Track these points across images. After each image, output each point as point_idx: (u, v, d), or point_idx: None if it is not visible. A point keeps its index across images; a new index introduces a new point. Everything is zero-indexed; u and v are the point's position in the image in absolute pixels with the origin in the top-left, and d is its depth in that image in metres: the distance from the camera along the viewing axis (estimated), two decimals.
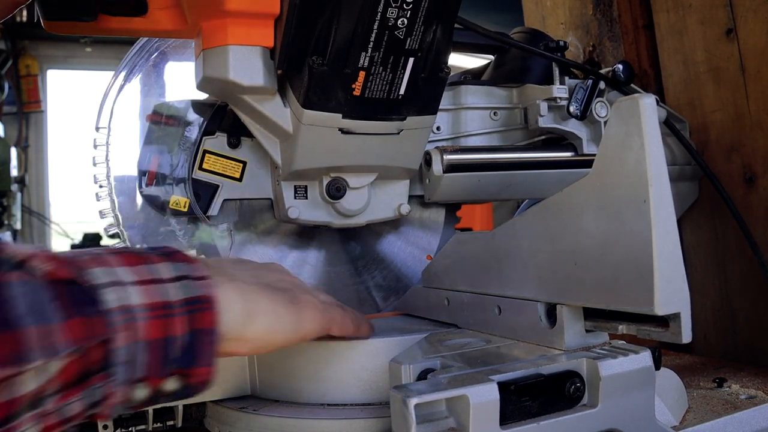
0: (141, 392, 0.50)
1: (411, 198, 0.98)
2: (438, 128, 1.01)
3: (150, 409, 0.80)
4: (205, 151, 0.91)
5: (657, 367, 0.67)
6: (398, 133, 0.85)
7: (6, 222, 4.27)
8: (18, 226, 4.53)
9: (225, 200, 0.93)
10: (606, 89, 1.00)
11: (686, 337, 0.60)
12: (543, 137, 1.04)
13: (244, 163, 0.93)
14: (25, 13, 5.01)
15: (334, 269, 1.03)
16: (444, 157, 0.94)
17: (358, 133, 0.82)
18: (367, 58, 0.76)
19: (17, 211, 4.56)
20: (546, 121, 0.98)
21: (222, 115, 0.92)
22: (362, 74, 0.77)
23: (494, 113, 1.02)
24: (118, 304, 0.47)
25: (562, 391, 0.62)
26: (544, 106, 0.98)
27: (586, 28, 1.34)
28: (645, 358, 0.65)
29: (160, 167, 0.92)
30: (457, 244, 0.89)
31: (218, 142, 0.92)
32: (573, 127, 1.00)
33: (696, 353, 1.14)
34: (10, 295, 0.41)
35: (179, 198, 0.91)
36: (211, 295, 0.53)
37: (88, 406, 0.47)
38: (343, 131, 0.81)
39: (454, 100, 1.01)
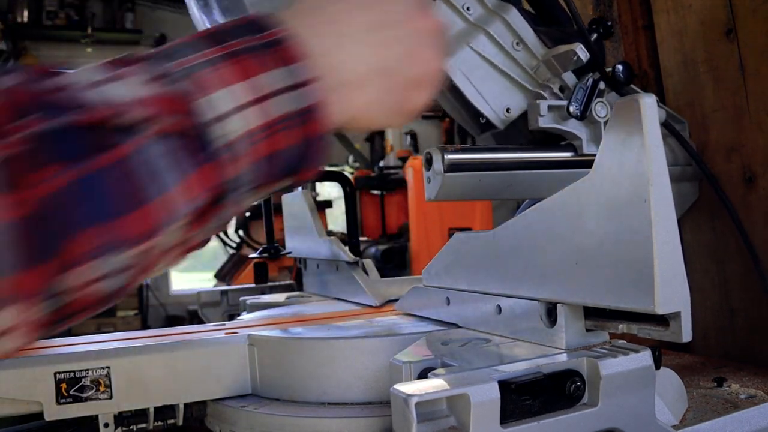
0: (252, 197, 0.54)
1: None
2: (468, 8, 0.98)
3: (151, 408, 0.80)
4: None
5: (657, 367, 0.67)
6: None
7: None
8: None
9: None
10: (606, 89, 1.00)
11: (686, 336, 0.60)
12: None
13: None
14: (26, 13, 5.02)
15: None
16: (445, 156, 0.94)
17: None
18: None
19: None
20: (546, 120, 0.98)
21: None
22: None
23: (517, 43, 1.01)
24: (235, 135, 0.47)
25: (562, 390, 0.62)
26: (544, 106, 0.98)
27: None
28: (645, 357, 0.65)
29: None
30: (458, 244, 0.90)
31: None
32: (573, 127, 1.00)
33: (696, 353, 1.14)
34: (131, 168, 0.42)
35: None
36: (322, 102, 0.52)
37: (209, 231, 0.52)
38: None
39: (496, 5, 0.99)
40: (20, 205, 0.38)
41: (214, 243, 5.13)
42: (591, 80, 0.98)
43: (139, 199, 0.42)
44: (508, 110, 1.01)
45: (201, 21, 0.83)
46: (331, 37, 0.55)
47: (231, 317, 1.45)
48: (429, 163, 0.95)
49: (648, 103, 0.60)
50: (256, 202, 0.62)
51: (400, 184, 3.97)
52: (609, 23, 1.00)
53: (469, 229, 2.83)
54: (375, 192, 4.33)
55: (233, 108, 0.47)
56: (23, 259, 0.39)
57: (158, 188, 0.43)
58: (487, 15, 1.00)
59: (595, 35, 0.99)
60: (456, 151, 0.96)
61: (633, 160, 0.61)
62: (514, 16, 1.00)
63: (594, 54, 0.97)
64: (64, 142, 0.41)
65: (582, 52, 0.95)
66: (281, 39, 0.51)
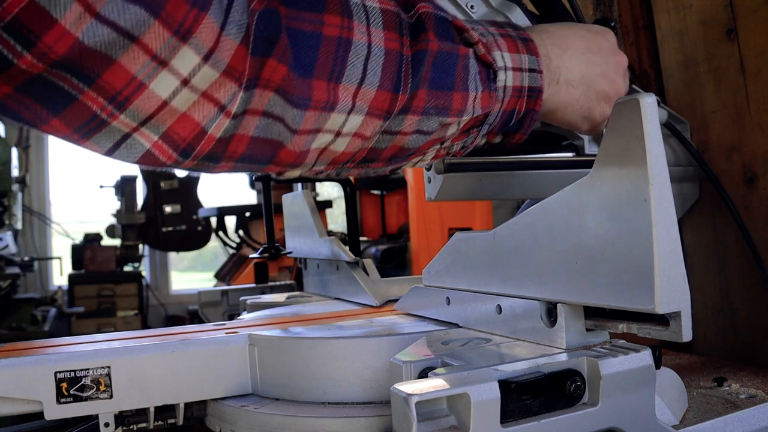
0: (481, 140, 0.73)
1: None
2: (472, 6, 0.96)
3: (151, 407, 0.80)
4: None
5: (657, 366, 0.67)
6: None
7: (7, 222, 4.27)
8: (19, 226, 4.52)
9: None
10: None
11: (686, 335, 0.60)
12: None
13: None
14: None
15: None
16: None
17: None
18: None
19: (18, 211, 4.55)
20: None
21: None
22: None
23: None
24: (503, 84, 0.68)
25: (562, 390, 0.62)
26: None
27: None
28: (645, 357, 0.65)
29: None
30: (458, 243, 0.90)
31: None
32: None
33: (696, 352, 1.14)
34: (467, 65, 0.64)
35: None
36: (544, 87, 0.70)
37: (461, 147, 0.72)
38: None
39: (501, 5, 0.98)
40: (426, 42, 0.61)
41: (214, 243, 5.14)
42: None
43: (465, 86, 0.64)
44: None
45: None
46: (557, 48, 0.73)
47: (231, 317, 1.44)
48: None
49: (648, 102, 0.61)
50: (398, 171, 0.76)
51: (400, 184, 3.96)
52: (613, 23, 1.00)
53: (469, 229, 2.83)
54: (375, 192, 4.33)
55: (507, 66, 0.68)
56: (391, 84, 0.59)
57: (474, 86, 0.65)
58: (492, 14, 1.00)
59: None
60: None
61: (633, 160, 0.61)
62: (518, 16, 1.00)
63: None
64: (442, 26, 0.63)
65: None
66: (530, 38, 0.71)
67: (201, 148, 0.52)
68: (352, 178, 1.78)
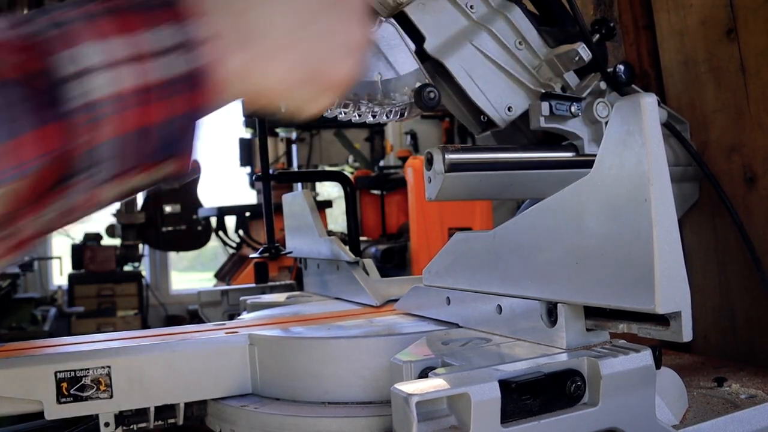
0: (114, 187, 0.45)
1: None
2: (472, 6, 0.99)
3: (152, 407, 0.80)
4: None
5: (657, 366, 0.67)
6: None
7: None
8: None
9: None
10: (607, 89, 1.00)
11: (687, 335, 0.60)
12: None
13: None
14: (26, 13, 5.01)
15: None
16: (446, 156, 0.94)
17: None
18: None
19: None
20: (547, 120, 0.98)
21: None
22: None
23: (520, 42, 1.01)
24: (98, 95, 0.40)
25: (562, 390, 0.62)
26: (545, 106, 0.98)
27: None
28: (645, 357, 0.65)
29: None
30: (458, 243, 0.90)
31: None
32: (574, 127, 1.00)
33: (696, 352, 1.14)
34: None
35: None
36: (217, 64, 0.45)
37: (66, 212, 0.42)
38: None
39: (501, 5, 1.00)
40: None
41: (214, 243, 5.14)
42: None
43: None
44: (509, 109, 1.01)
45: None
46: (241, 33, 0.48)
47: (231, 317, 1.44)
48: (430, 162, 0.95)
49: (648, 102, 0.61)
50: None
51: (400, 184, 3.97)
52: (612, 24, 1.00)
53: (469, 229, 2.83)
54: (375, 192, 4.33)
55: (102, 64, 0.40)
56: None
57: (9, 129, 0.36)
58: (491, 14, 1.00)
59: (597, 36, 0.99)
60: (456, 151, 0.96)
61: (633, 160, 0.61)
62: (518, 16, 1.00)
63: (595, 54, 0.97)
64: None
65: (584, 52, 0.96)
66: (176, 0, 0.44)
67: None
68: (351, 178, 1.77)
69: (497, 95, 1.00)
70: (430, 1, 0.96)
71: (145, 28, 0.42)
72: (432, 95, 0.94)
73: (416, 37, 0.99)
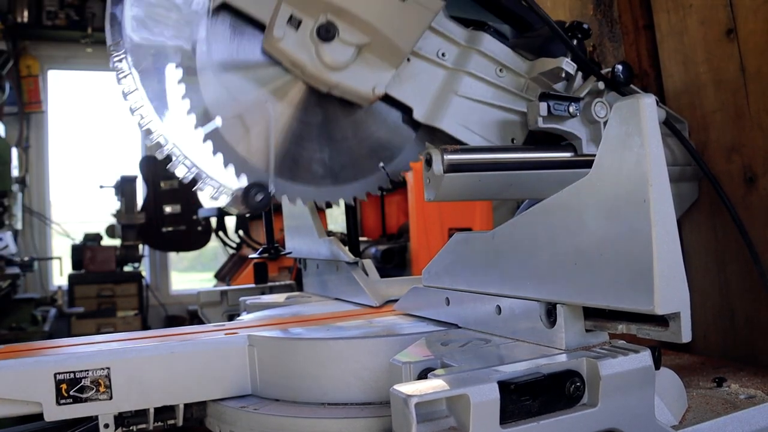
0: None
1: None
2: (443, 54, 1.00)
3: (151, 408, 0.80)
4: None
5: (657, 367, 0.67)
6: (404, 0, 0.85)
7: (7, 222, 4.27)
8: (19, 226, 4.53)
9: (224, 5, 0.91)
10: (605, 89, 1.00)
11: (686, 336, 0.60)
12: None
13: None
14: (26, 13, 5.02)
15: (297, 124, 1.00)
16: (445, 157, 0.94)
17: None
18: None
19: (18, 212, 4.55)
20: (545, 120, 0.98)
21: None
22: None
23: (500, 70, 1.02)
24: None
25: (562, 391, 0.62)
26: (543, 107, 0.98)
27: None
28: (645, 357, 0.65)
29: None
30: (458, 244, 0.90)
31: None
32: (572, 127, 1.00)
33: (696, 353, 1.14)
34: None
35: None
36: None
37: None
38: None
39: (469, 39, 1.01)
40: None
41: (214, 243, 5.14)
42: None
43: None
44: (513, 141, 1.03)
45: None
46: None
47: (231, 317, 1.44)
48: (429, 163, 0.95)
49: (647, 103, 0.60)
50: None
51: (400, 184, 3.97)
52: (586, 26, 1.00)
53: (469, 230, 2.82)
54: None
55: None
56: None
57: None
58: (463, 53, 1.00)
59: (575, 41, 0.99)
60: (456, 152, 0.96)
61: (632, 161, 0.61)
62: (489, 43, 1.01)
63: (581, 60, 0.98)
64: None
65: (568, 66, 0.96)
66: None
67: None
68: None
69: (497, 133, 1.02)
70: (403, 69, 0.96)
71: None
72: (258, 198, 0.92)
73: (403, 108, 1.01)
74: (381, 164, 1.05)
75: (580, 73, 1.04)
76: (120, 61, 0.89)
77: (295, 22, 0.89)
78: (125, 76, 0.89)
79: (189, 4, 0.91)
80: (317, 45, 0.89)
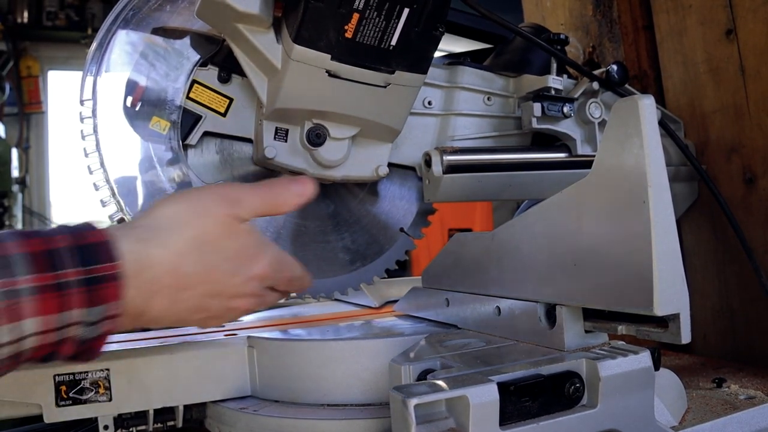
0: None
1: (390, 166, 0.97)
2: (430, 103, 1.00)
3: (151, 410, 0.80)
4: (194, 81, 0.90)
5: (656, 368, 0.67)
6: (385, 87, 0.83)
7: (7, 222, 4.28)
8: (19, 226, 4.53)
9: (206, 133, 0.91)
10: (600, 90, 1.00)
11: (685, 337, 0.60)
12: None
13: (231, 100, 0.91)
14: (26, 13, 5.02)
15: (303, 223, 1.01)
16: (444, 158, 0.94)
17: (345, 79, 0.81)
18: (363, 1, 0.75)
19: (18, 212, 4.56)
20: (539, 121, 0.99)
21: (217, 49, 0.90)
22: (356, 16, 0.76)
23: (488, 98, 1.02)
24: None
25: (561, 392, 0.62)
26: (537, 107, 0.98)
27: (586, 29, 1.34)
28: (644, 358, 0.65)
29: (147, 90, 0.90)
30: (457, 245, 0.90)
31: (209, 74, 0.90)
32: (566, 127, 1.00)
33: (695, 353, 1.14)
34: None
35: (161, 120, 0.90)
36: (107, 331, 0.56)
37: None
38: (330, 74, 0.80)
39: (449, 78, 1.00)
40: None
41: None
42: None
43: None
44: None
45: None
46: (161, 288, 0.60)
47: None
48: (428, 164, 0.95)
49: (646, 104, 0.60)
50: None
51: None
52: (564, 37, 1.00)
53: (469, 230, 2.83)
54: None
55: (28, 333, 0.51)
56: None
57: None
58: (448, 95, 1.00)
59: (558, 47, 0.99)
60: (455, 153, 0.96)
61: (632, 162, 0.61)
62: (469, 76, 1.01)
63: (565, 62, 0.98)
64: None
65: (555, 83, 0.97)
66: (112, 276, 0.55)
67: None
68: None
69: None
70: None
71: (58, 311, 0.52)
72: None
73: (406, 167, 1.01)
74: (401, 228, 1.05)
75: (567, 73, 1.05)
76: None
77: (282, 133, 0.88)
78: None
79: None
80: (310, 151, 0.88)
